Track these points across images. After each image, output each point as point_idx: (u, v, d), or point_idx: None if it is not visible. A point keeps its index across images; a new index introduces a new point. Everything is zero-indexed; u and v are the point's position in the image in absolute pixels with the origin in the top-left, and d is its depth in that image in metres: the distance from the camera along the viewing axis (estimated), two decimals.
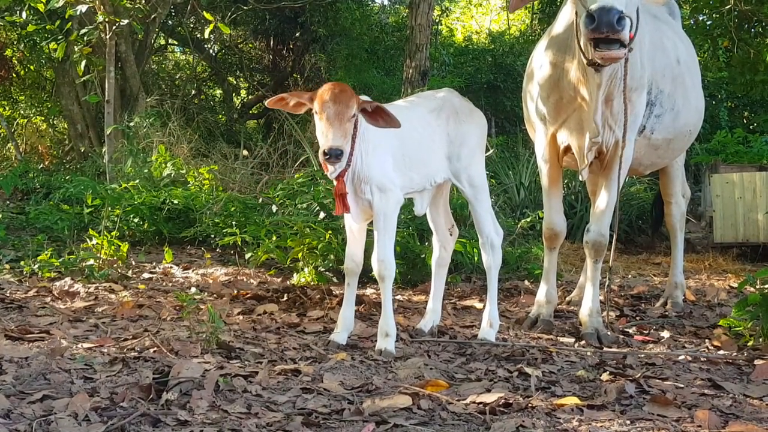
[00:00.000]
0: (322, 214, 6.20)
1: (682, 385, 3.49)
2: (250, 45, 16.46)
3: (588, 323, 4.49)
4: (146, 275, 5.85)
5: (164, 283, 5.57)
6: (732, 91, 13.14)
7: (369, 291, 5.47)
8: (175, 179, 8.19)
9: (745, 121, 14.14)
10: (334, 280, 5.81)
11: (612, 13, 3.58)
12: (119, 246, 5.95)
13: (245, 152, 11.00)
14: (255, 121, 16.63)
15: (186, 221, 7.30)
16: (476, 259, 5.97)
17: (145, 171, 8.20)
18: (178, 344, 3.67)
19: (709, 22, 11.16)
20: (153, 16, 10.89)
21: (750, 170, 8.74)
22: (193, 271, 6.14)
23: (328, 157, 3.56)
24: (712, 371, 3.87)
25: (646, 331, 4.76)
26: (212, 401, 2.87)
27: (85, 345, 3.69)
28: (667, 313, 5.39)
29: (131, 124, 9.69)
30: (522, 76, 5.42)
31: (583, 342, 4.37)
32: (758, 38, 10.79)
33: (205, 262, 6.41)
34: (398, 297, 5.22)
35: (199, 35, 14.01)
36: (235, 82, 17.26)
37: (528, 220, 6.92)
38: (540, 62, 4.63)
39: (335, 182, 3.82)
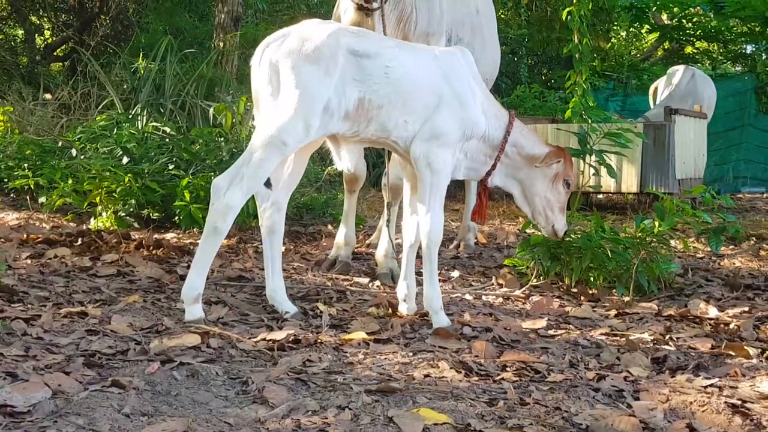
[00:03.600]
0: (125, 159, 6.00)
1: (465, 320, 3.71)
2: None
3: (383, 264, 4.64)
4: None
5: None
6: (531, 47, 13.84)
7: (170, 235, 5.38)
8: None
9: (543, 78, 14.89)
10: (135, 225, 5.67)
11: None
12: None
13: (47, 95, 10.43)
14: (60, 63, 15.76)
15: None
16: None
17: None
18: None
19: None
20: None
21: (543, 123, 9.26)
22: None
23: None
24: (495, 307, 4.13)
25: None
26: None
27: None
28: (459, 254, 5.67)
29: None
30: None
31: (377, 282, 4.53)
32: None
33: None
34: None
35: None
36: (38, 22, 16.24)
37: (335, 167, 7.01)
38: (345, 6, 4.67)
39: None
